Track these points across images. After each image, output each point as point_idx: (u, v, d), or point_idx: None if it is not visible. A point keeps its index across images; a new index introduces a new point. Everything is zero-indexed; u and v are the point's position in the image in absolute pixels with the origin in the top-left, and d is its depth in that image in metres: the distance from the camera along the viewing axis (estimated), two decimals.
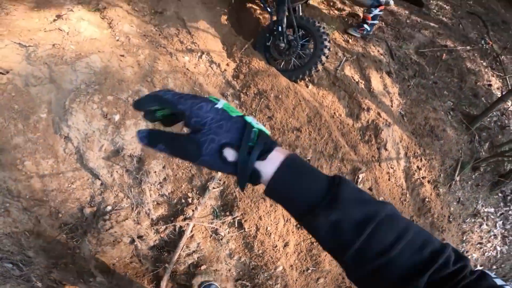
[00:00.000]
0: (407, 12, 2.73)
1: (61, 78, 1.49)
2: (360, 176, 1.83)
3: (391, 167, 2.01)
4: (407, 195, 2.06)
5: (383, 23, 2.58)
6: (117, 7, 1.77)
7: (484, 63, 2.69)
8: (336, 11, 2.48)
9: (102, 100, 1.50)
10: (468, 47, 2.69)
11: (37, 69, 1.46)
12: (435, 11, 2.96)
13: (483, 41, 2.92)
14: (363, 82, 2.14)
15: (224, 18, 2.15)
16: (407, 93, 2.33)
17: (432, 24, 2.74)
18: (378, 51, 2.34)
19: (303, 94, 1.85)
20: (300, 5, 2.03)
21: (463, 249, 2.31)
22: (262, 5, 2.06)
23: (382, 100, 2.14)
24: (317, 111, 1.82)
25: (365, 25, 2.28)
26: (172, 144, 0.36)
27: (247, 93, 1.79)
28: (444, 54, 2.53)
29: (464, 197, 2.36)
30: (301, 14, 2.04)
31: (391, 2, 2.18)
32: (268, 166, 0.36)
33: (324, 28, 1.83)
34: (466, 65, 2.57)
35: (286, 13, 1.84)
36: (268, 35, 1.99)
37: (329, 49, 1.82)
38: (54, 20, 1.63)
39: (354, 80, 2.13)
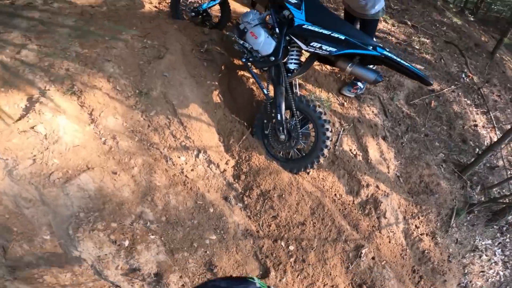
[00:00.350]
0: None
1: (54, 202, 1.36)
2: (363, 251, 1.85)
3: (391, 231, 2.06)
4: (407, 250, 2.13)
5: None
6: (96, 89, 1.56)
7: (468, 101, 2.77)
8: (328, 66, 2.40)
9: (107, 228, 1.39)
10: (453, 86, 2.75)
11: (24, 190, 1.33)
12: (417, 47, 2.98)
13: (463, 75, 3.00)
14: (361, 154, 2.14)
15: (216, 94, 1.99)
16: (401, 151, 2.35)
17: (418, 66, 2.76)
18: (373, 111, 2.31)
19: (305, 187, 1.81)
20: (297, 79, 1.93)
21: (465, 281, 2.43)
22: (256, 81, 1.94)
23: (380, 170, 2.15)
24: (320, 202, 1.79)
25: (359, 83, 2.23)
26: None
27: (250, 196, 1.71)
28: (432, 101, 2.57)
29: (461, 237, 2.48)
30: (297, 90, 1.94)
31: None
32: None
33: (325, 114, 1.75)
34: (453, 109, 2.63)
35: (284, 94, 1.75)
36: (266, 122, 1.88)
37: (331, 140, 1.75)
38: (26, 110, 1.43)
39: (352, 153, 2.12)
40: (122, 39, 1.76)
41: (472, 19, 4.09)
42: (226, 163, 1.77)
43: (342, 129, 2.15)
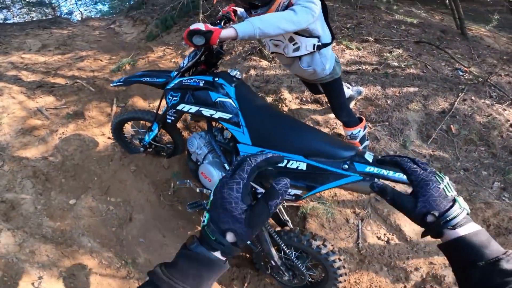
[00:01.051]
0: (379, 89, 2.22)
1: None
2: None
3: None
4: None
5: (369, 123, 2.02)
6: (84, 269, 1.44)
7: (486, 101, 2.25)
8: None
9: None
10: (460, 94, 2.25)
11: None
12: (396, 64, 2.53)
13: (460, 72, 2.53)
14: (395, 236, 1.60)
15: None
16: None
17: (410, 88, 2.27)
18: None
19: None
20: (281, 206, 1.39)
21: None
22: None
23: (428, 242, 1.60)
24: None
25: (356, 130, 1.72)
26: None
27: None
28: (451, 126, 2.03)
29: None
30: (286, 217, 1.39)
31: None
32: None
33: (324, 246, 1.22)
34: (477, 121, 2.09)
35: (270, 240, 1.23)
36: (263, 265, 1.42)
37: (344, 274, 1.26)
38: None
39: (382, 241, 1.59)
40: (85, 206, 1.69)
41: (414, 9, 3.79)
42: None
43: (359, 220, 1.59)
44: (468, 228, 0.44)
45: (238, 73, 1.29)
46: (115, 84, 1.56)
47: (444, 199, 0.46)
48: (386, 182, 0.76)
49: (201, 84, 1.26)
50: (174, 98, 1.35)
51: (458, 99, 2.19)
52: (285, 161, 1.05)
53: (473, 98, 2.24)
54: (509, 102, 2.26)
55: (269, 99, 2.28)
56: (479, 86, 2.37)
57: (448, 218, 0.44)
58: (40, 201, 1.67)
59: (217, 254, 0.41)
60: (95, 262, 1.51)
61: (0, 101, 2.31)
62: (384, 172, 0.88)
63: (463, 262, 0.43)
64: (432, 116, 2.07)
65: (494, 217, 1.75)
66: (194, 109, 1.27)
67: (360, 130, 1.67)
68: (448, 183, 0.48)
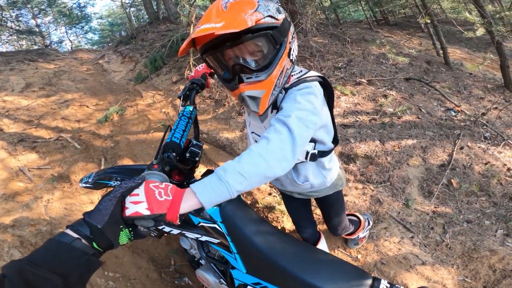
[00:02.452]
0: (378, 145, 2.26)
1: None
2: None
3: None
4: None
5: (371, 185, 2.05)
6: None
7: (482, 145, 2.31)
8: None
9: None
10: (458, 142, 2.30)
11: None
12: (392, 111, 2.57)
13: (453, 112, 2.60)
14: None
15: None
16: (451, 253, 1.80)
17: (409, 141, 2.31)
18: (394, 241, 1.77)
19: None
20: None
21: None
22: None
23: None
24: None
25: (360, 234, 1.67)
26: None
27: None
28: (452, 180, 2.07)
29: None
30: None
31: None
32: None
33: None
34: (475, 170, 2.14)
35: None
36: None
37: None
38: None
39: None
40: None
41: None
42: None
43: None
44: None
45: None
46: (83, 185, 1.31)
47: None
48: None
49: None
50: None
51: (455, 148, 2.24)
52: None
53: (469, 144, 2.30)
54: (503, 143, 2.33)
55: None
56: (473, 128, 2.43)
57: None
58: None
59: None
60: None
61: None
62: None
63: None
64: (432, 171, 2.11)
65: (499, 262, 1.79)
66: (175, 231, 1.06)
67: (363, 231, 1.62)
68: None
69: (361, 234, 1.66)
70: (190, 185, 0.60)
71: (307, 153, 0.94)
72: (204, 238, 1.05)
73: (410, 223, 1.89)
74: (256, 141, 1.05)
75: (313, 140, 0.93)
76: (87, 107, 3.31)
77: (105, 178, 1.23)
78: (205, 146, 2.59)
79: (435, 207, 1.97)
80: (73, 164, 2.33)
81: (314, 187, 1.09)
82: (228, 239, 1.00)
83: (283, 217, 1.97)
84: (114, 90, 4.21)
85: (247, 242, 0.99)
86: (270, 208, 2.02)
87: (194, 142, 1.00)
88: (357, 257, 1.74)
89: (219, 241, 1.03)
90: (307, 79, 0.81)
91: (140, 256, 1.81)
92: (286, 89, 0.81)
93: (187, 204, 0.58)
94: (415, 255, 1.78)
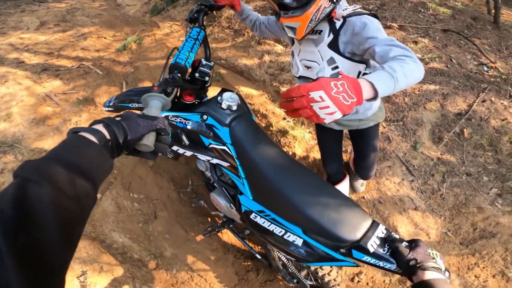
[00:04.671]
0: (404, 89, 2.18)
1: None
2: None
3: None
4: None
5: (383, 122, 2.04)
6: (118, 265, 1.59)
7: (505, 102, 2.22)
8: None
9: None
10: (481, 94, 2.20)
11: None
12: (420, 56, 2.42)
13: (485, 68, 2.43)
14: None
15: (221, 238, 1.82)
16: (443, 204, 1.89)
17: (431, 86, 2.22)
18: (394, 181, 1.84)
19: None
20: None
21: None
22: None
23: None
24: None
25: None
26: None
27: None
28: (465, 130, 2.04)
29: None
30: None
31: None
32: None
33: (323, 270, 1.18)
34: (491, 125, 2.09)
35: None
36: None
37: (337, 285, 1.22)
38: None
39: None
40: (111, 202, 1.76)
41: None
42: None
43: None
44: (433, 275, 0.64)
45: (233, 100, 1.00)
46: (106, 108, 1.35)
47: (427, 256, 0.69)
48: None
49: (189, 127, 1.02)
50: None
51: (477, 100, 2.16)
52: (283, 231, 0.96)
53: (492, 99, 2.20)
54: None
55: (283, 89, 2.26)
56: (502, 85, 2.31)
57: (422, 264, 0.66)
58: None
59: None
60: (128, 256, 1.65)
61: (6, 88, 2.29)
62: (380, 263, 0.80)
63: None
64: (447, 117, 2.07)
65: (482, 221, 1.88)
66: (189, 153, 1.09)
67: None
68: (434, 252, 0.71)
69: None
70: (365, 77, 0.67)
71: (359, 72, 0.99)
72: (215, 161, 1.06)
73: (414, 166, 1.94)
74: (306, 67, 1.07)
75: (365, 62, 0.98)
76: (105, 38, 3.24)
77: (125, 101, 1.26)
78: (223, 71, 2.56)
79: (441, 154, 1.99)
80: (97, 88, 2.38)
81: (359, 111, 1.13)
82: (237, 163, 1.00)
83: (295, 142, 2.03)
84: (130, 22, 4.04)
85: (255, 168, 0.97)
86: (284, 133, 2.07)
87: (204, 62, 0.99)
88: (363, 196, 1.83)
89: (229, 164, 1.04)
90: (362, 11, 0.93)
91: (161, 175, 1.93)
92: (345, 18, 0.94)
93: (365, 93, 0.64)
94: (410, 198, 1.86)
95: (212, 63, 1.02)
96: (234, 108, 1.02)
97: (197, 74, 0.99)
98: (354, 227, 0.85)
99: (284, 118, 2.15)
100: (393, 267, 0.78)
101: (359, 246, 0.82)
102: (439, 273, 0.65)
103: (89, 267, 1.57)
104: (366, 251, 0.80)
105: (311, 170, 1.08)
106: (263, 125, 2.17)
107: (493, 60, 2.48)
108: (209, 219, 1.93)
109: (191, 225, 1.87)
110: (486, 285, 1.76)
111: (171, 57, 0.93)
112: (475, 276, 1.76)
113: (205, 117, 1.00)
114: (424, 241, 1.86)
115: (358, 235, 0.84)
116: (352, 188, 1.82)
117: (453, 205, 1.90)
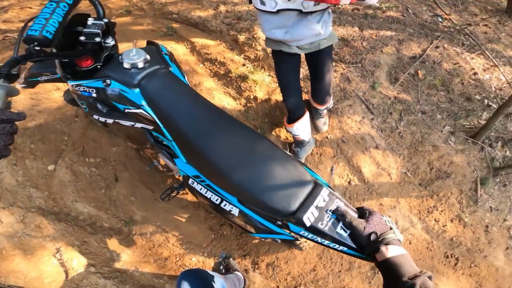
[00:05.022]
0: (356, 31, 2.17)
1: None
2: None
3: (409, 234, 1.77)
4: (433, 242, 1.83)
5: (343, 64, 2.03)
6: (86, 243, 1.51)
7: (457, 49, 2.29)
8: None
9: None
10: (435, 41, 2.26)
11: None
12: (378, 5, 2.43)
13: (440, 19, 2.50)
14: (356, 177, 1.76)
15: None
16: (401, 143, 1.93)
17: (387, 32, 2.24)
18: (356, 120, 1.84)
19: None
20: None
21: None
22: None
23: (380, 182, 1.77)
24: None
25: (320, 108, 1.66)
26: None
27: (259, 268, 1.29)
28: (419, 71, 2.08)
29: (495, 203, 2.14)
30: None
31: None
32: None
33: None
34: (444, 68, 2.15)
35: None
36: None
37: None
38: None
39: (346, 182, 1.76)
40: (66, 171, 1.64)
41: None
42: None
43: (330, 168, 1.74)
44: (396, 250, 0.58)
45: (138, 57, 0.86)
46: (22, 86, 1.17)
47: (384, 226, 0.63)
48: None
49: (94, 95, 0.90)
50: (83, 106, 1.00)
51: (431, 46, 2.21)
52: (219, 199, 0.87)
53: (445, 46, 2.27)
54: (479, 52, 2.32)
55: (241, 38, 2.17)
56: (455, 34, 2.38)
57: (384, 237, 0.60)
58: (18, 172, 1.57)
59: None
60: (98, 226, 1.56)
61: None
62: (318, 239, 0.70)
63: (391, 276, 0.56)
64: (403, 60, 2.10)
65: (438, 161, 1.94)
66: (110, 120, 0.97)
67: (330, 104, 1.66)
68: (388, 220, 0.66)
69: (329, 105, 1.68)
70: None
71: None
72: (139, 125, 0.94)
73: (373, 104, 1.95)
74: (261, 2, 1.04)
75: None
76: (30, 8, 2.89)
77: (33, 75, 1.09)
78: (175, 25, 2.41)
79: (397, 93, 2.03)
80: None
81: (321, 32, 1.14)
82: (159, 124, 0.87)
83: (255, 86, 1.96)
84: None
85: (176, 128, 0.84)
86: (243, 78, 1.99)
87: (91, 22, 0.83)
88: (327, 136, 1.80)
89: (152, 127, 0.92)
90: None
91: (116, 135, 1.78)
92: None
93: None
94: (371, 136, 1.87)
95: (106, 20, 0.85)
96: (141, 65, 0.87)
97: (82, 38, 0.82)
98: (289, 195, 0.71)
99: (244, 64, 2.07)
100: (345, 249, 0.66)
101: (295, 218, 0.69)
102: (400, 247, 0.58)
103: (61, 243, 1.46)
104: (303, 225, 0.68)
105: (244, 124, 0.91)
106: (222, 72, 2.08)
107: (448, 12, 2.56)
108: (168, 181, 1.83)
109: (156, 183, 1.75)
110: (445, 229, 1.84)
111: (25, 29, 0.78)
112: (435, 220, 1.83)
113: (108, 81, 0.86)
114: (387, 183, 1.93)
115: (293, 205, 0.70)
116: (316, 129, 1.79)
117: (411, 143, 1.94)
